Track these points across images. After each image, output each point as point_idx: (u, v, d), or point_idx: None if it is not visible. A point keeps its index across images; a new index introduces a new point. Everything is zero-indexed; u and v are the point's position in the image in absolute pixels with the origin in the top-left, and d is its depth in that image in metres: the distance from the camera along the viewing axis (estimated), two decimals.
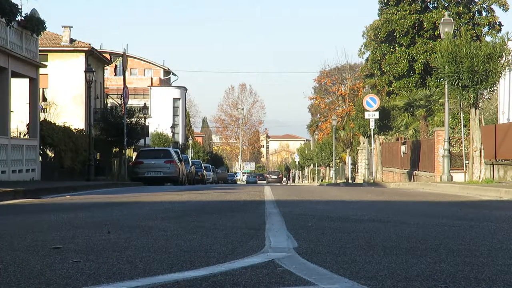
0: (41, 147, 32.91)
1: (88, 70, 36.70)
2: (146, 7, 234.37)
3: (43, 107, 42.34)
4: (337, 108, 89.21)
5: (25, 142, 30.16)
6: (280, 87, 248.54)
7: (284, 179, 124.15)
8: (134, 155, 47.84)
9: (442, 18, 27.52)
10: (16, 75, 29.11)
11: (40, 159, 32.50)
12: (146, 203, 13.32)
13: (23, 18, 28.25)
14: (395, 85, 50.71)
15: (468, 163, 27.76)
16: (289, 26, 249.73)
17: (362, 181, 45.44)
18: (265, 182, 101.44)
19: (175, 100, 78.98)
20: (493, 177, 28.39)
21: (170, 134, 73.10)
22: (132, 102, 60.49)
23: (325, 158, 76.77)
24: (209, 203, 13.34)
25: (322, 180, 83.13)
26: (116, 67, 77.80)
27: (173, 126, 75.04)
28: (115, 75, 77.87)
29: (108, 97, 58.74)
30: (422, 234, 7.27)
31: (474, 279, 4.42)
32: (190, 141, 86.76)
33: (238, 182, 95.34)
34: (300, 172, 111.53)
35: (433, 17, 49.60)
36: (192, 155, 75.10)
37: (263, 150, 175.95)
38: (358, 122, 43.03)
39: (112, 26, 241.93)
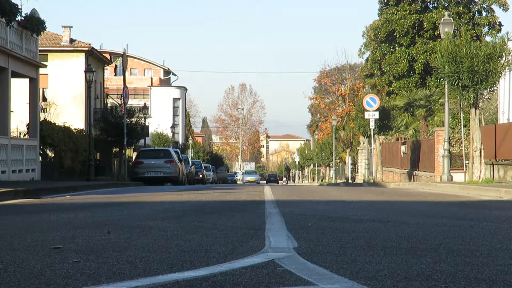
0: (41, 147, 32.91)
1: (88, 70, 36.69)
2: (146, 7, 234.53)
3: (43, 107, 42.34)
4: (337, 108, 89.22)
5: (25, 142, 30.16)
6: (280, 87, 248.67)
7: (284, 179, 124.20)
8: (134, 155, 47.85)
9: (442, 18, 27.52)
10: (16, 75, 29.10)
11: (40, 159, 32.50)
12: (146, 203, 13.32)
13: (23, 18, 28.25)
14: (395, 85, 50.72)
15: (468, 163, 27.76)
16: (289, 26, 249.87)
17: (362, 181, 45.44)
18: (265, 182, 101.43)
19: (175, 100, 78.98)
20: (493, 177, 28.39)
21: (170, 134, 73.11)
22: (132, 102, 60.49)
23: (325, 158, 76.79)
24: (209, 203, 13.34)
25: (322, 180, 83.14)
26: (116, 67, 77.80)
27: (173, 126, 75.05)
28: (115, 75, 77.87)
29: (108, 97, 58.74)
30: (422, 234, 7.28)
31: (474, 279, 4.42)
32: (190, 141, 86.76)
33: (238, 182, 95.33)
34: (300, 172, 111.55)
35: (433, 17, 49.61)
36: (192, 155, 75.09)
37: (263, 150, 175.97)
38: (358, 122, 43.03)
39: (112, 26, 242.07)
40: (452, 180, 26.70)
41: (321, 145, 78.68)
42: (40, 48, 32.92)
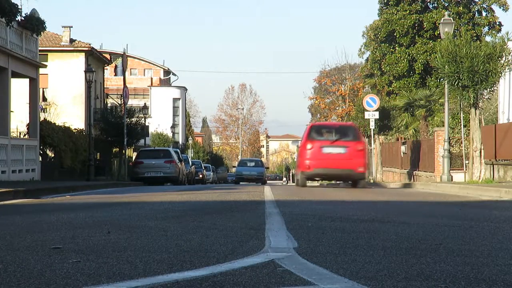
0: (41, 147, 32.92)
1: (88, 70, 36.70)
2: (146, 7, 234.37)
3: (43, 107, 42.36)
4: (337, 108, 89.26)
5: (25, 142, 30.17)
6: (280, 87, 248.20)
7: (284, 179, 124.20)
8: (134, 155, 47.85)
9: (442, 18, 27.52)
10: (16, 75, 29.11)
11: (40, 159, 32.50)
12: (146, 203, 13.32)
13: (23, 18, 28.26)
14: (395, 85, 50.73)
15: (468, 163, 27.76)
16: (289, 26, 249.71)
17: None
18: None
19: (175, 100, 78.99)
20: (493, 177, 28.39)
21: (170, 134, 73.12)
22: (132, 102, 60.49)
23: None
24: (209, 203, 13.34)
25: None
26: (116, 67, 77.81)
27: (173, 126, 75.05)
28: (115, 75, 77.87)
29: (108, 97, 58.75)
30: (422, 234, 7.28)
31: (474, 279, 4.42)
32: (190, 141, 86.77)
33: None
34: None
35: (433, 17, 49.60)
36: (192, 155, 75.08)
37: (263, 150, 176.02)
38: (358, 122, 43.02)
39: (112, 26, 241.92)
40: (452, 180, 26.70)
41: None
42: (40, 48, 32.93)
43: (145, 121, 49.50)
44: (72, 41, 47.16)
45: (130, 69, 78.46)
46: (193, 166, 49.92)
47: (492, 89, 28.40)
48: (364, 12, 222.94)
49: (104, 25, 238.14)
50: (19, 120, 36.34)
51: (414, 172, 40.35)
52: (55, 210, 11.65)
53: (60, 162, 34.84)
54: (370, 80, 61.46)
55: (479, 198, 16.50)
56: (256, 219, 8.87)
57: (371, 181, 40.83)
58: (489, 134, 29.29)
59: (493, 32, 49.08)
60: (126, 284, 4.18)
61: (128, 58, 53.57)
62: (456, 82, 23.44)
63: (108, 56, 55.79)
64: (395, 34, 50.67)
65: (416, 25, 50.51)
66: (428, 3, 52.51)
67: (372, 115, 38.63)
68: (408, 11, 50.64)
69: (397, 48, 50.80)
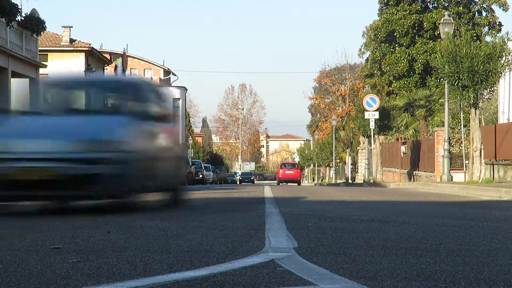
0: None
1: (88, 70, 36.71)
2: (146, 7, 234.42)
3: None
4: (337, 108, 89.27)
5: None
6: (280, 87, 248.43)
7: None
8: None
9: (442, 18, 27.54)
10: (16, 75, 29.12)
11: None
12: None
13: (23, 18, 28.28)
14: (395, 85, 50.74)
15: (468, 163, 27.77)
16: (289, 26, 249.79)
17: (362, 181, 45.45)
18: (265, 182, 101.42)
19: (175, 100, 78.93)
20: (493, 177, 28.40)
21: None
22: None
23: (325, 158, 76.79)
24: (209, 203, 13.34)
25: (322, 180, 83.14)
26: (116, 67, 77.78)
27: None
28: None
29: None
30: (422, 234, 7.28)
31: (474, 279, 4.42)
32: (190, 141, 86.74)
33: (238, 183, 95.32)
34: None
35: (433, 17, 49.63)
36: (192, 155, 75.07)
37: (263, 150, 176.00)
38: (358, 122, 43.05)
39: (112, 26, 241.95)
40: (452, 180, 26.71)
41: (321, 145, 78.68)
42: (40, 48, 32.94)
43: None
44: (72, 41, 47.16)
45: (130, 69, 78.46)
46: (193, 166, 49.90)
47: (492, 89, 28.41)
48: (364, 12, 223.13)
49: (104, 25, 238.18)
50: None
51: (414, 172, 40.35)
52: (55, 210, 11.64)
53: None
54: (370, 80, 61.47)
55: (479, 198, 16.50)
56: (256, 219, 8.87)
57: (371, 181, 40.83)
58: (489, 134, 29.30)
59: (493, 32, 49.11)
60: (126, 284, 4.18)
61: (128, 58, 53.63)
62: (456, 82, 23.44)
63: (108, 56, 55.77)
64: (395, 34, 50.68)
65: (416, 25, 50.52)
66: (428, 3, 52.52)
67: (372, 115, 38.63)
68: (408, 11, 50.65)
69: (397, 48, 50.81)
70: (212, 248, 5.91)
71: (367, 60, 62.01)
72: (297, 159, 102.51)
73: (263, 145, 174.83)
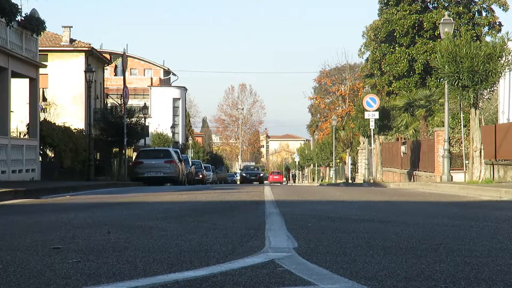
0: (41, 147, 32.91)
1: (88, 70, 36.70)
2: (146, 7, 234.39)
3: (43, 107, 42.35)
4: (337, 108, 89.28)
5: (25, 142, 30.16)
6: (280, 87, 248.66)
7: (284, 179, 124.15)
8: (134, 155, 47.84)
9: (442, 18, 27.53)
10: (16, 75, 29.10)
11: (40, 159, 32.50)
12: (146, 203, 13.33)
13: (23, 18, 28.25)
14: (395, 85, 50.74)
15: (468, 163, 27.76)
16: (289, 26, 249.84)
17: (362, 181, 45.45)
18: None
19: (175, 100, 78.96)
20: (493, 177, 28.39)
21: (170, 134, 73.07)
22: (132, 102, 60.50)
23: (325, 158, 76.80)
24: (209, 203, 13.34)
25: (322, 180, 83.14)
26: (116, 67, 77.79)
27: (173, 126, 75.00)
28: (115, 75, 77.85)
29: (108, 97, 58.73)
30: (422, 234, 7.28)
31: (474, 279, 4.42)
32: (190, 141, 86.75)
33: (238, 183, 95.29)
34: (300, 172, 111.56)
35: (433, 17, 49.62)
36: (192, 155, 75.07)
37: (263, 150, 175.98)
38: (358, 122, 43.04)
39: (112, 26, 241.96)
40: (452, 180, 26.71)
41: (321, 145, 78.69)
42: (40, 48, 32.91)
43: (145, 121, 49.48)
44: (72, 41, 47.15)
45: (130, 69, 78.44)
46: (193, 166, 49.87)
47: (492, 89, 28.40)
48: (364, 12, 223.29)
49: (104, 25, 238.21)
50: (19, 120, 36.33)
51: (414, 172, 40.35)
52: (55, 210, 11.65)
53: (60, 162, 34.83)
54: (370, 80, 61.47)
55: (479, 198, 16.50)
56: (256, 219, 8.87)
57: (371, 181, 40.83)
58: (489, 134, 29.30)
59: (493, 32, 49.11)
60: (126, 284, 4.18)
61: (128, 58, 53.58)
62: (456, 82, 23.44)
63: (108, 56, 55.76)
64: (395, 34, 50.68)
65: (416, 25, 50.52)
66: (428, 3, 52.52)
67: (372, 115, 38.62)
68: (408, 11, 50.65)
69: (397, 48, 50.81)
70: (212, 248, 5.91)
71: (367, 60, 62.02)
72: (297, 159, 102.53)
73: (263, 145, 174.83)
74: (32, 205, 14.02)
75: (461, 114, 31.99)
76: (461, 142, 32.91)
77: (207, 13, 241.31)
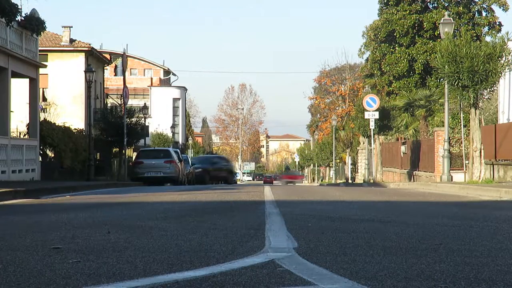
0: (41, 147, 32.91)
1: (88, 70, 36.70)
2: (146, 7, 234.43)
3: (43, 107, 42.34)
4: (337, 108, 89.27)
5: (25, 142, 30.16)
6: (280, 87, 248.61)
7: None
8: (134, 155, 47.82)
9: (442, 18, 27.53)
10: (16, 75, 29.10)
11: (40, 159, 32.49)
12: (146, 203, 13.33)
13: (23, 18, 28.25)
14: (395, 85, 50.73)
15: (468, 163, 27.76)
16: (289, 26, 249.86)
17: (362, 181, 45.45)
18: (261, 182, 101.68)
19: (175, 100, 78.96)
20: (493, 177, 28.40)
21: (170, 134, 73.07)
22: (132, 102, 60.46)
23: (325, 158, 76.81)
24: (209, 203, 13.34)
25: (322, 180, 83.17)
26: (116, 67, 77.78)
27: (173, 126, 75.00)
28: (115, 75, 77.85)
29: (108, 97, 58.73)
30: (422, 234, 7.28)
31: (474, 279, 4.42)
32: (190, 141, 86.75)
33: (238, 183, 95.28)
34: (300, 172, 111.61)
35: (433, 17, 49.61)
36: (192, 155, 75.06)
37: (263, 150, 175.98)
38: (358, 122, 43.04)
39: (112, 26, 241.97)
40: (452, 180, 26.71)
41: (321, 145, 78.71)
42: (40, 48, 32.91)
43: (145, 121, 49.48)
44: (72, 41, 47.14)
45: (130, 69, 78.44)
46: (193, 167, 49.82)
47: (492, 89, 28.40)
48: (364, 12, 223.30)
49: (104, 25, 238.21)
50: (19, 120, 36.32)
51: (414, 172, 40.35)
52: (55, 210, 11.65)
53: (60, 162, 34.84)
54: (370, 80, 61.45)
55: (479, 198, 16.50)
56: (256, 219, 8.87)
57: (371, 181, 40.83)
58: (489, 134, 29.30)
59: (493, 32, 49.08)
60: (126, 284, 4.18)
61: (128, 58, 53.57)
62: (456, 82, 23.44)
63: (108, 56, 55.76)
64: (395, 34, 50.66)
65: (416, 25, 50.51)
66: (428, 3, 52.51)
67: (372, 115, 38.62)
68: (408, 11, 50.64)
69: (397, 48, 50.80)
70: (212, 248, 5.91)
71: (367, 60, 62.00)
72: (297, 159, 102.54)
73: (263, 145, 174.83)
74: (32, 205, 14.02)
75: (461, 114, 31.99)
76: (461, 142, 32.91)
77: (207, 13, 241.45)
